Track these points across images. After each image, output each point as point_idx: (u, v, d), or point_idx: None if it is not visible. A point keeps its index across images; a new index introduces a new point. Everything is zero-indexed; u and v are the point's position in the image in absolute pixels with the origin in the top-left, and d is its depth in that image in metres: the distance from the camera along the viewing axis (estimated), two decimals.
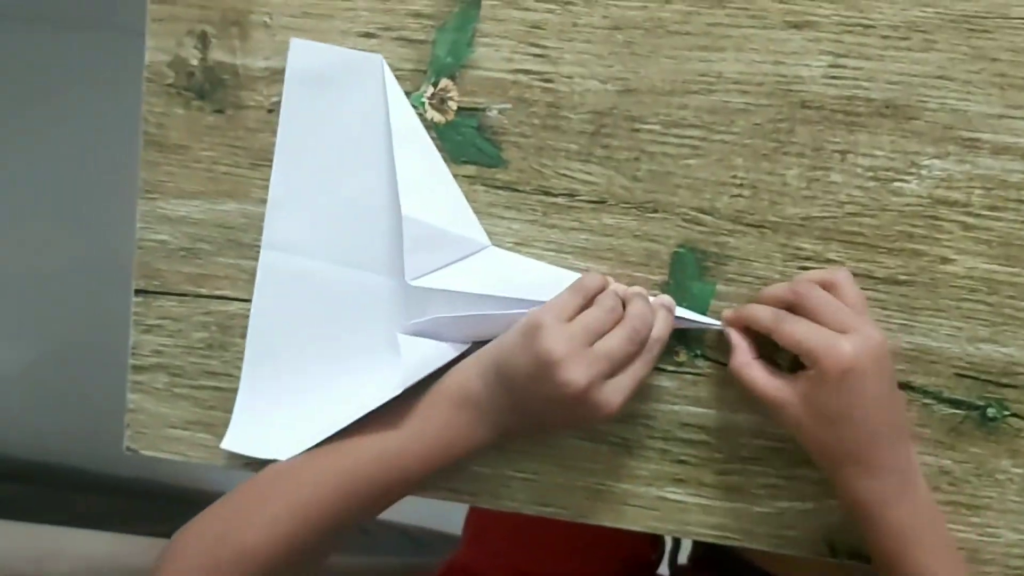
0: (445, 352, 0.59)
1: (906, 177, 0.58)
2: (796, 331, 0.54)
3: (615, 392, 0.55)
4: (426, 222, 0.59)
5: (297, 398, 0.62)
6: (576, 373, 0.53)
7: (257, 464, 0.61)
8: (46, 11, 1.38)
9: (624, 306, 0.57)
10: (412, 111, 0.60)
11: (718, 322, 0.59)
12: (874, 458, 0.54)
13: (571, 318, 0.55)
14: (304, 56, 0.61)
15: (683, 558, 0.89)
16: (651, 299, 0.58)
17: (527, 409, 0.56)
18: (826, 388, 0.53)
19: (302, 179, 0.62)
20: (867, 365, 0.52)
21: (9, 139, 1.42)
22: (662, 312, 0.57)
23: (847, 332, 0.52)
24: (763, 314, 0.56)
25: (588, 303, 0.57)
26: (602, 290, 0.58)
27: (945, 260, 0.58)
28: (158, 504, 1.24)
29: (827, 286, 0.55)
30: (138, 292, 0.65)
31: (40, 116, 1.40)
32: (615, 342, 0.55)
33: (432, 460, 0.57)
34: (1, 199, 1.43)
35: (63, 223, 1.42)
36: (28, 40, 1.39)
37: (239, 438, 0.63)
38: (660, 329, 0.57)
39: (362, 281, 0.62)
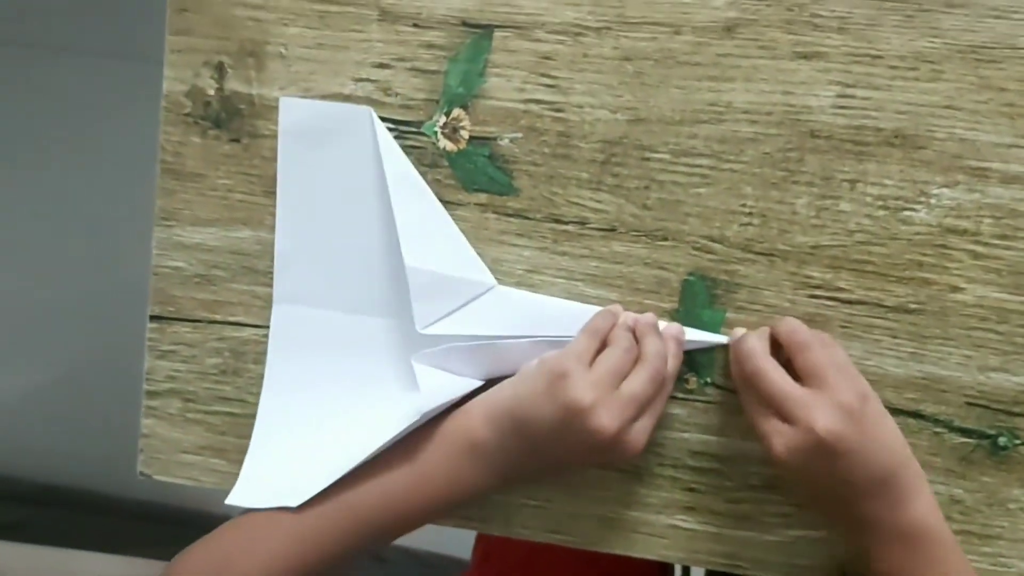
0: (461, 385, 0.59)
1: (915, 206, 0.58)
2: (750, 411, 0.56)
3: (640, 433, 0.55)
4: (430, 270, 0.59)
5: (309, 449, 0.62)
6: (607, 419, 0.53)
7: None
8: (68, 39, 1.41)
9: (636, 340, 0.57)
10: (406, 159, 0.61)
11: (724, 338, 0.59)
12: (844, 525, 0.55)
13: (591, 362, 0.55)
14: (294, 113, 0.62)
15: None
16: (661, 326, 0.58)
17: (548, 455, 0.56)
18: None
19: (306, 232, 0.63)
20: (799, 462, 0.52)
21: (26, 164, 1.43)
22: (672, 345, 0.58)
23: (791, 423, 0.52)
24: (736, 373, 0.58)
25: (603, 343, 0.57)
26: (613, 326, 0.58)
27: (955, 289, 0.58)
28: (170, 527, 1.25)
29: (797, 347, 0.55)
30: (153, 318, 0.66)
31: (57, 141, 1.42)
32: (639, 385, 0.55)
33: (435, 505, 0.58)
34: (20, 223, 1.44)
35: (80, 247, 1.43)
36: (48, 67, 1.41)
37: (247, 493, 0.61)
38: (672, 364, 0.57)
39: (374, 327, 0.62)
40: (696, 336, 0.59)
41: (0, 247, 1.45)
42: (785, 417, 0.53)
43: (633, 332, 0.57)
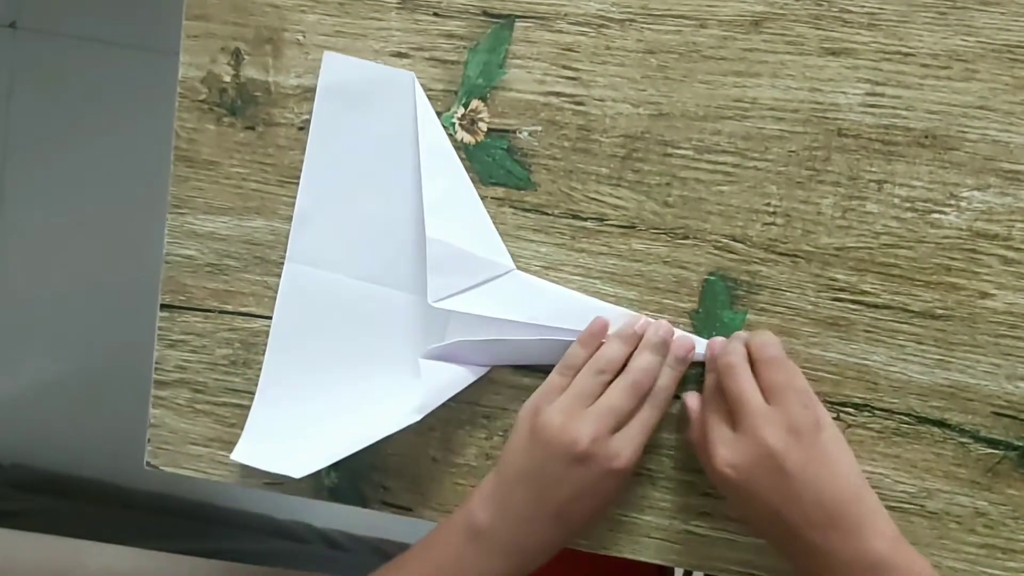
0: (465, 376, 0.59)
1: (945, 209, 0.56)
2: (706, 419, 0.55)
3: (625, 443, 0.55)
4: (450, 243, 0.59)
5: (313, 413, 0.62)
6: (577, 430, 0.54)
7: (269, 478, 0.61)
8: (88, 28, 1.40)
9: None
10: (442, 130, 0.60)
11: None
12: (796, 556, 0.53)
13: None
14: (337, 70, 0.61)
15: None
16: (676, 334, 0.58)
17: (550, 502, 0.55)
18: None
19: (329, 193, 0.62)
20: (742, 475, 0.52)
21: (42, 154, 1.43)
22: (668, 364, 0.57)
23: (740, 432, 0.52)
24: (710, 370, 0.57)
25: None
26: (596, 343, 0.57)
27: (984, 295, 0.56)
28: (183, 520, 1.24)
29: (766, 363, 0.54)
30: (163, 307, 0.65)
31: (73, 131, 1.42)
32: (615, 395, 0.55)
33: None
34: (35, 213, 1.44)
35: (96, 238, 1.43)
36: (62, 56, 1.41)
37: (250, 450, 0.62)
38: (666, 378, 0.56)
39: (385, 297, 0.61)
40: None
41: (15, 236, 1.45)
42: (736, 424, 0.53)
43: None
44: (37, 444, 1.41)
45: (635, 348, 0.57)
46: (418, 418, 0.57)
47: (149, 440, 0.66)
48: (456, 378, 0.58)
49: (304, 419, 0.62)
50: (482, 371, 0.59)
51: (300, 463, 0.59)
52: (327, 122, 0.61)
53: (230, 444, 0.64)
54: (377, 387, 0.61)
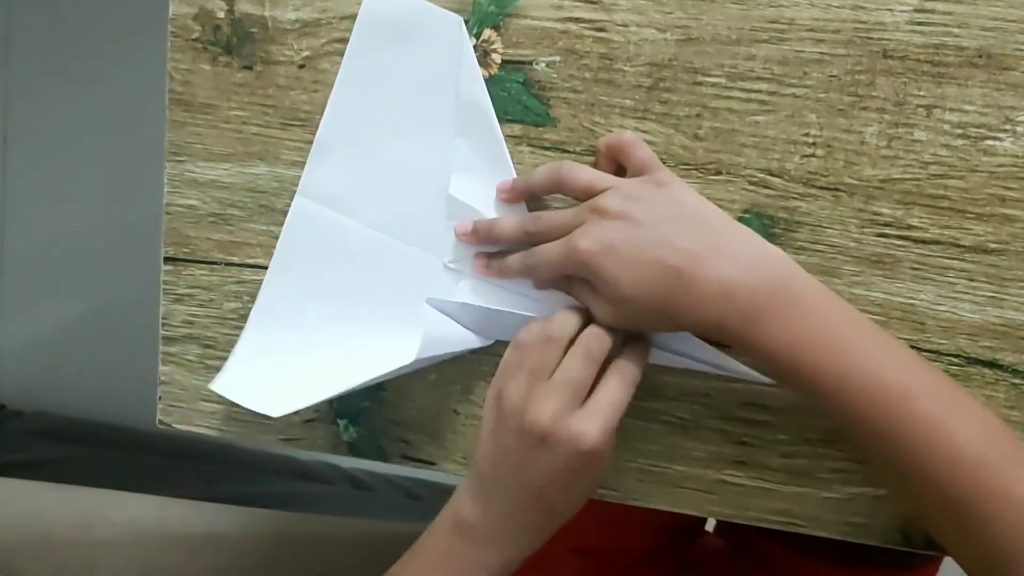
0: (465, 339, 0.57)
1: (999, 135, 0.52)
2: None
3: (589, 420, 0.49)
4: (470, 207, 0.56)
5: (301, 353, 0.59)
6: (536, 410, 0.49)
7: (284, 435, 0.58)
8: None
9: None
10: (483, 84, 0.56)
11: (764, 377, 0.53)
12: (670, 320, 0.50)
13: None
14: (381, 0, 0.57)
15: None
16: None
17: (526, 489, 0.51)
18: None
19: (352, 131, 0.58)
20: (600, 264, 0.49)
21: (45, 93, 1.40)
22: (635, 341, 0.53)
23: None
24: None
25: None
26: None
27: None
28: (203, 464, 1.23)
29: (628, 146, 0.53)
30: (167, 260, 0.62)
31: (74, 68, 1.39)
32: (569, 364, 0.50)
33: None
34: (41, 153, 1.41)
35: (103, 176, 1.41)
36: None
37: (232, 383, 0.59)
38: (631, 352, 0.52)
39: (394, 249, 0.58)
40: (729, 365, 0.54)
41: (22, 178, 1.43)
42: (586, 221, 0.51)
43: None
44: (56, 390, 1.41)
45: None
46: (411, 360, 0.54)
47: (160, 397, 0.64)
48: (456, 337, 0.56)
49: (290, 358, 0.59)
50: (486, 343, 0.57)
51: (280, 402, 0.55)
52: (363, 53, 0.57)
53: None
54: (371, 331, 0.58)
